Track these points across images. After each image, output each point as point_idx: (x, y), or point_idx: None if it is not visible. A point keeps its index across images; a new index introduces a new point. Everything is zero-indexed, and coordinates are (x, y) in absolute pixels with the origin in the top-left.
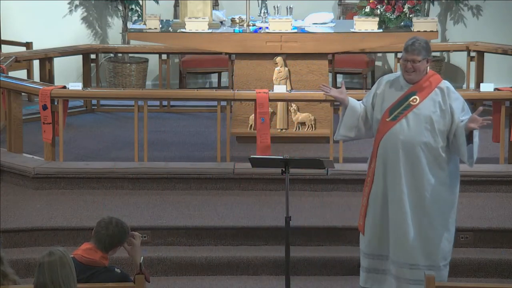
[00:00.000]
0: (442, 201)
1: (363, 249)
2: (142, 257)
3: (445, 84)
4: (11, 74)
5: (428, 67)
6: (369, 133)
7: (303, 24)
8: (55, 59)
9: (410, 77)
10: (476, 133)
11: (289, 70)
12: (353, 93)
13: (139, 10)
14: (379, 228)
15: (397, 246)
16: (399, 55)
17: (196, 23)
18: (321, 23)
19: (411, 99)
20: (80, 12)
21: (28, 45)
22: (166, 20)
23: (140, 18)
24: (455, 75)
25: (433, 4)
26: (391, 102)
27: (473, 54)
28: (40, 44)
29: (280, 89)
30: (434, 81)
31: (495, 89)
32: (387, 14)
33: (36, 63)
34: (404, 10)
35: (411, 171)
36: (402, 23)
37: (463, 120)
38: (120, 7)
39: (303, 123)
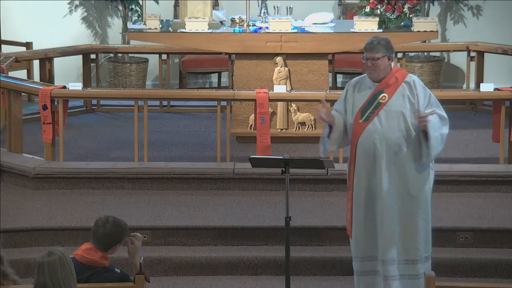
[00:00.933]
0: (422, 193)
1: (353, 252)
2: (142, 257)
3: (411, 77)
4: (11, 74)
5: (392, 64)
6: (346, 140)
7: (303, 24)
8: (55, 59)
9: (372, 76)
10: (433, 127)
11: (289, 70)
12: None
13: (139, 10)
14: (363, 228)
15: (384, 243)
16: (399, 55)
17: (196, 23)
18: (321, 23)
19: (380, 97)
20: (80, 12)
21: (28, 45)
22: (166, 20)
23: (140, 18)
24: (455, 75)
25: (433, 4)
26: (361, 104)
27: (473, 54)
28: (40, 44)
29: (280, 89)
30: (400, 77)
31: (495, 89)
32: (387, 14)
33: (36, 63)
34: (404, 10)
35: (391, 168)
36: (402, 23)
37: (431, 111)
38: (120, 7)
39: (303, 123)
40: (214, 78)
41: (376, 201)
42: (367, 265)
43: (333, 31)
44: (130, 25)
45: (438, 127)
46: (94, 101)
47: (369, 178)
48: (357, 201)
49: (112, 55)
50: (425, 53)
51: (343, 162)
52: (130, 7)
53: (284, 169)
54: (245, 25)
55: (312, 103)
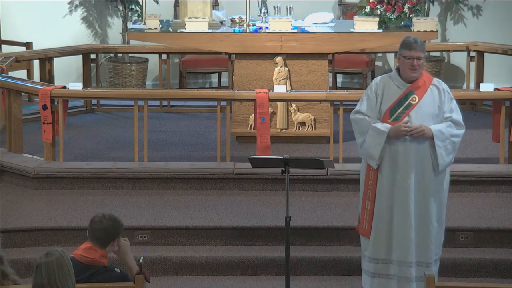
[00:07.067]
0: (442, 194)
1: (369, 254)
2: (142, 257)
3: (438, 81)
4: (11, 74)
5: None
6: None
7: (303, 24)
8: (55, 59)
9: (416, 74)
10: (440, 136)
11: (289, 70)
12: (353, 93)
13: (139, 10)
14: (386, 231)
15: (400, 244)
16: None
17: (196, 23)
18: (321, 23)
19: (410, 98)
20: (80, 12)
21: (28, 45)
22: (166, 20)
23: (140, 18)
24: (455, 75)
25: (433, 4)
26: (389, 103)
27: (473, 54)
28: (40, 44)
29: (280, 89)
30: (427, 79)
31: (495, 89)
32: (387, 14)
33: (36, 63)
34: (404, 10)
35: (418, 169)
36: (402, 23)
37: (447, 117)
38: (120, 7)
39: (303, 123)
40: (214, 78)
41: (399, 202)
42: (381, 267)
43: (333, 31)
44: (130, 25)
45: (448, 136)
46: (94, 101)
47: (396, 178)
48: (380, 201)
49: (112, 55)
50: (425, 53)
51: (343, 162)
52: (130, 7)
53: (284, 169)
54: (245, 25)
55: (312, 103)
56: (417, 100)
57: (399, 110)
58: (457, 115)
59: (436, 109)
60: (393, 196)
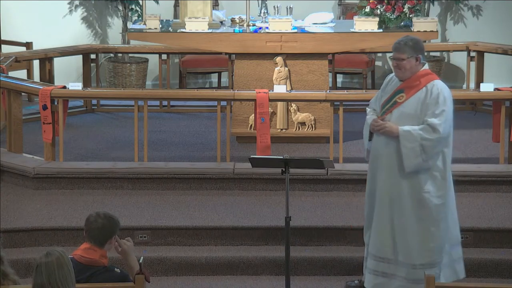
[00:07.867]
0: (423, 197)
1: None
2: (142, 257)
3: (434, 84)
4: (11, 74)
5: (425, 66)
6: None
7: (303, 24)
8: (55, 59)
9: (398, 75)
10: (406, 143)
11: (289, 70)
12: (353, 93)
13: (139, 10)
14: (368, 223)
15: (377, 239)
16: None
17: (196, 23)
18: (321, 23)
19: (397, 96)
20: (80, 12)
21: (28, 45)
22: (166, 20)
23: (140, 18)
24: (455, 75)
25: (433, 4)
26: (385, 98)
27: (473, 54)
28: (40, 44)
29: (280, 89)
30: (425, 81)
31: (495, 89)
32: (387, 14)
33: (36, 63)
34: (404, 10)
35: (392, 168)
36: (402, 23)
37: (425, 120)
38: (120, 7)
39: (303, 123)
40: (214, 78)
41: (371, 196)
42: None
43: (333, 31)
44: (130, 25)
45: (418, 139)
46: (94, 101)
47: (374, 173)
48: (366, 195)
49: (112, 55)
50: (425, 53)
51: (343, 162)
52: (130, 7)
53: (284, 169)
54: (245, 25)
55: (312, 103)
56: (403, 99)
57: (386, 106)
58: (437, 120)
59: (417, 110)
60: (369, 191)
